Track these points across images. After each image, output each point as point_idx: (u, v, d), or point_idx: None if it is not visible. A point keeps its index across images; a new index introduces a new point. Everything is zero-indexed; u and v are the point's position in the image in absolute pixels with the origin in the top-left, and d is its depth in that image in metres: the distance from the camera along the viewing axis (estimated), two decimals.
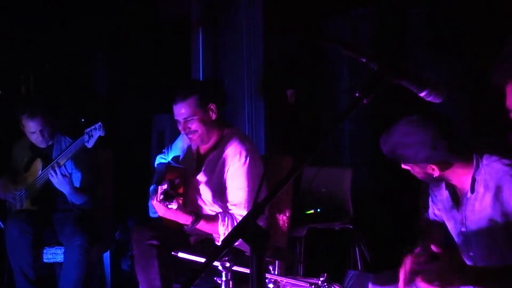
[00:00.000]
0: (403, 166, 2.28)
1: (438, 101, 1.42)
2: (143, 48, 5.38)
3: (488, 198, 2.19)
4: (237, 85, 4.88)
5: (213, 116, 2.98)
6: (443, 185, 2.37)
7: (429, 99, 1.40)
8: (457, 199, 2.31)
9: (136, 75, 5.44)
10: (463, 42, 4.13)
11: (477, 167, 2.20)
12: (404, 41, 4.53)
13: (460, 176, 2.24)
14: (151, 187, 3.12)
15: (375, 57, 1.39)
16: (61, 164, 3.53)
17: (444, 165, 2.19)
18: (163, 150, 3.33)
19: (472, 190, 2.21)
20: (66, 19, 5.08)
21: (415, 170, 2.26)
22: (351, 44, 1.49)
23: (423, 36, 4.42)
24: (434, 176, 2.22)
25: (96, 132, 3.46)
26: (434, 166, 2.18)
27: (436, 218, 2.52)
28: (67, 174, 3.54)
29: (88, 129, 3.48)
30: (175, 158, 3.22)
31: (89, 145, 3.49)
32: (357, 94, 1.36)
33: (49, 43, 5.04)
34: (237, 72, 4.94)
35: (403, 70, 1.38)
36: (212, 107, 2.97)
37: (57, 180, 3.51)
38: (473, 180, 2.21)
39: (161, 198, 2.79)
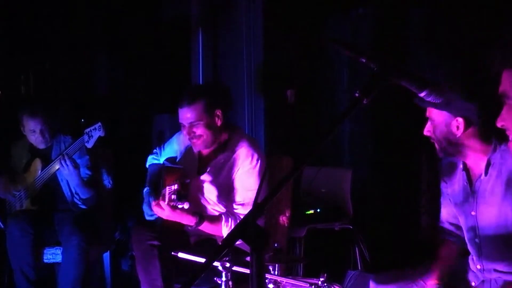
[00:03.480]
0: (425, 131, 2.29)
1: (438, 101, 1.42)
2: (143, 48, 5.38)
3: (500, 184, 2.21)
4: (237, 85, 4.87)
5: (219, 122, 2.97)
6: (459, 168, 2.37)
7: (429, 99, 1.41)
8: (471, 182, 2.33)
9: (136, 75, 5.43)
10: (463, 42, 4.13)
11: (494, 150, 2.23)
12: (404, 41, 4.52)
13: (476, 156, 2.26)
14: (145, 190, 3.11)
15: (375, 57, 1.39)
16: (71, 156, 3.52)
17: (469, 124, 2.20)
18: (154, 151, 3.31)
19: (486, 172, 2.24)
20: (67, 19, 5.08)
21: (439, 125, 2.25)
22: (351, 44, 1.49)
23: (423, 36, 4.42)
24: (457, 135, 2.21)
25: (95, 133, 3.46)
26: (460, 120, 2.19)
27: (451, 228, 2.50)
28: (77, 164, 3.54)
29: (88, 129, 3.47)
30: (171, 159, 3.21)
31: (89, 145, 3.48)
32: (357, 94, 1.36)
33: (49, 43, 5.04)
34: (237, 72, 4.93)
35: (403, 70, 1.39)
36: (218, 113, 2.96)
37: (67, 171, 3.51)
38: (488, 163, 2.23)
39: (173, 198, 2.78)
